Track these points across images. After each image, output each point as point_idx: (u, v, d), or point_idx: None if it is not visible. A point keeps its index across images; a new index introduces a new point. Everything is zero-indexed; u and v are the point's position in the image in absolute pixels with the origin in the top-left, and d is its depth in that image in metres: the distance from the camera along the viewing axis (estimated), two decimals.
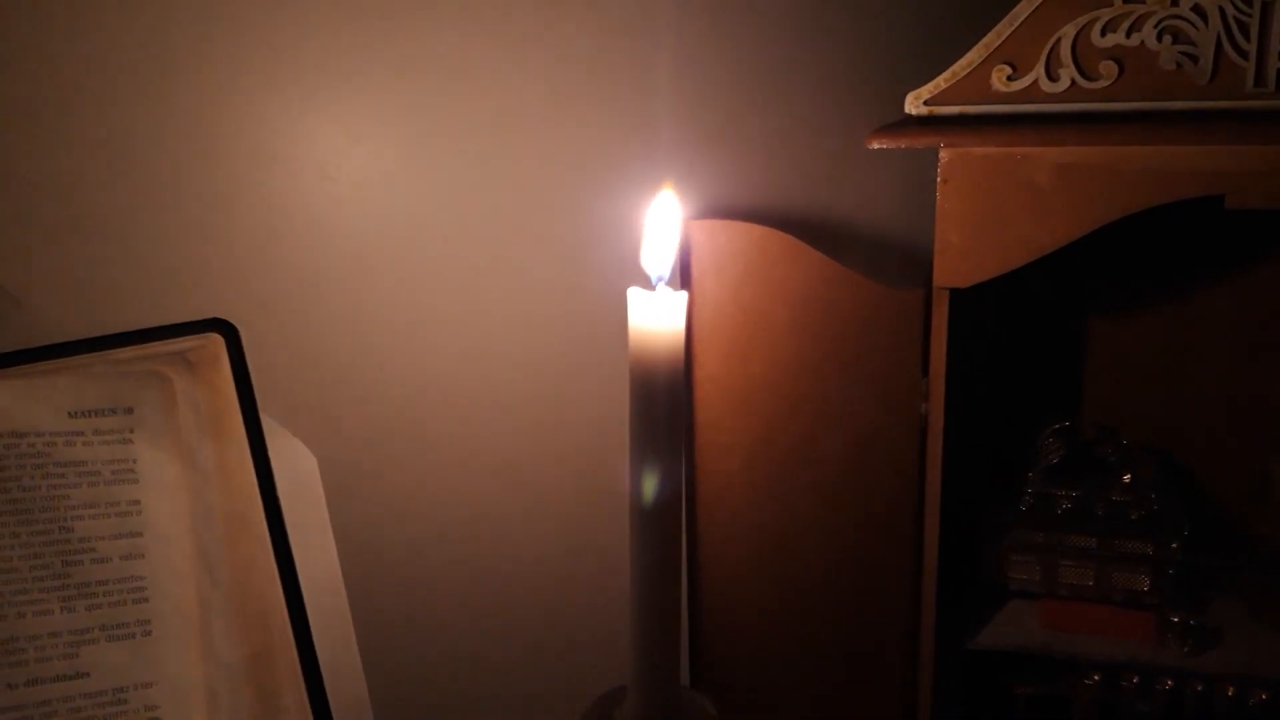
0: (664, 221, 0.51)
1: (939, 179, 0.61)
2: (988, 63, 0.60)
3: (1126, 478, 0.72)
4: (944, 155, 0.61)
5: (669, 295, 0.48)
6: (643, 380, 0.48)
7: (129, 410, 0.54)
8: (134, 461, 0.54)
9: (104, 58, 0.74)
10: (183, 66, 0.74)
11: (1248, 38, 0.57)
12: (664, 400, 0.49)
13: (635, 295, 0.48)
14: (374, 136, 0.75)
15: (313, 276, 0.77)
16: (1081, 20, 0.59)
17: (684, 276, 0.71)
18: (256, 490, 0.54)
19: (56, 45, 0.74)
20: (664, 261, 0.50)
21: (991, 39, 0.60)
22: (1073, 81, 0.60)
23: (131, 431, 0.54)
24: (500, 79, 0.74)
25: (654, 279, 0.49)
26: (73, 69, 0.75)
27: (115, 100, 0.75)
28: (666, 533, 0.50)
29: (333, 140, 0.75)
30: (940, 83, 0.61)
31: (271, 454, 0.55)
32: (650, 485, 0.50)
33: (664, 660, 0.51)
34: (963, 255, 0.62)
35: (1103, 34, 0.59)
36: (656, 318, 0.48)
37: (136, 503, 0.53)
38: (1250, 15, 0.57)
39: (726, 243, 0.70)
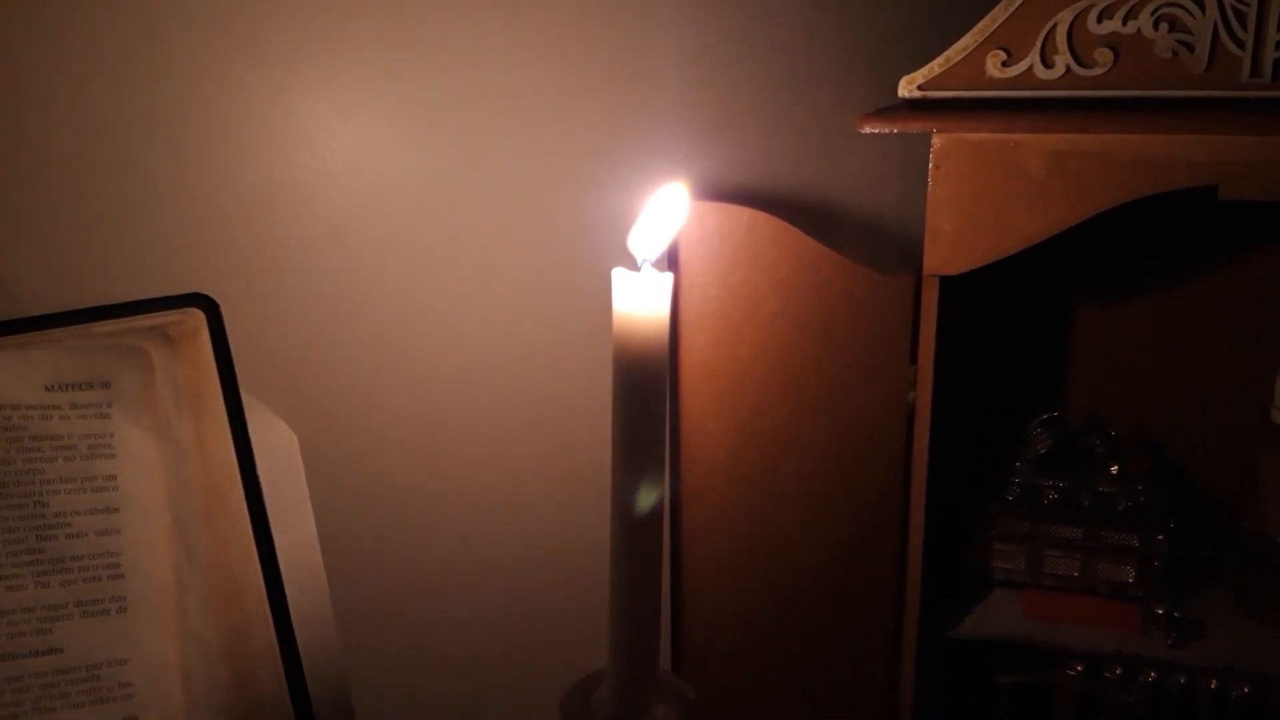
0: (664, 210, 0.50)
1: (931, 164, 0.61)
2: (982, 48, 0.60)
3: (1114, 469, 0.71)
4: (936, 141, 0.60)
5: (655, 277, 0.47)
6: (626, 362, 0.48)
7: (106, 384, 0.54)
8: (111, 436, 0.53)
9: (85, 31, 0.73)
10: (168, 39, 0.73)
11: (1245, 27, 0.57)
12: (648, 383, 0.48)
13: (620, 276, 0.47)
14: (362, 111, 0.75)
15: (296, 252, 0.77)
16: (1078, 6, 0.58)
17: (672, 259, 0.70)
18: (235, 467, 0.54)
19: (35, 20, 0.73)
20: (654, 246, 0.49)
21: (987, 24, 0.60)
22: (1068, 68, 0.59)
23: (109, 406, 0.53)
24: (490, 56, 0.73)
25: (640, 261, 0.49)
26: (53, 43, 0.74)
27: (97, 73, 0.74)
28: (648, 516, 0.50)
29: (320, 114, 0.75)
30: (934, 67, 0.61)
31: (251, 431, 0.54)
32: (633, 469, 0.49)
33: (643, 643, 0.51)
34: (954, 242, 0.61)
35: (1099, 21, 0.58)
36: (641, 300, 0.47)
37: (113, 478, 0.53)
38: (1247, 5, 0.57)
39: (716, 226, 0.69)
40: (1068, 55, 0.59)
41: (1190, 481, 0.77)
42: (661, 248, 0.49)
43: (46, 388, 0.53)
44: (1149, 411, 0.76)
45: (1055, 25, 0.59)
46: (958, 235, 0.61)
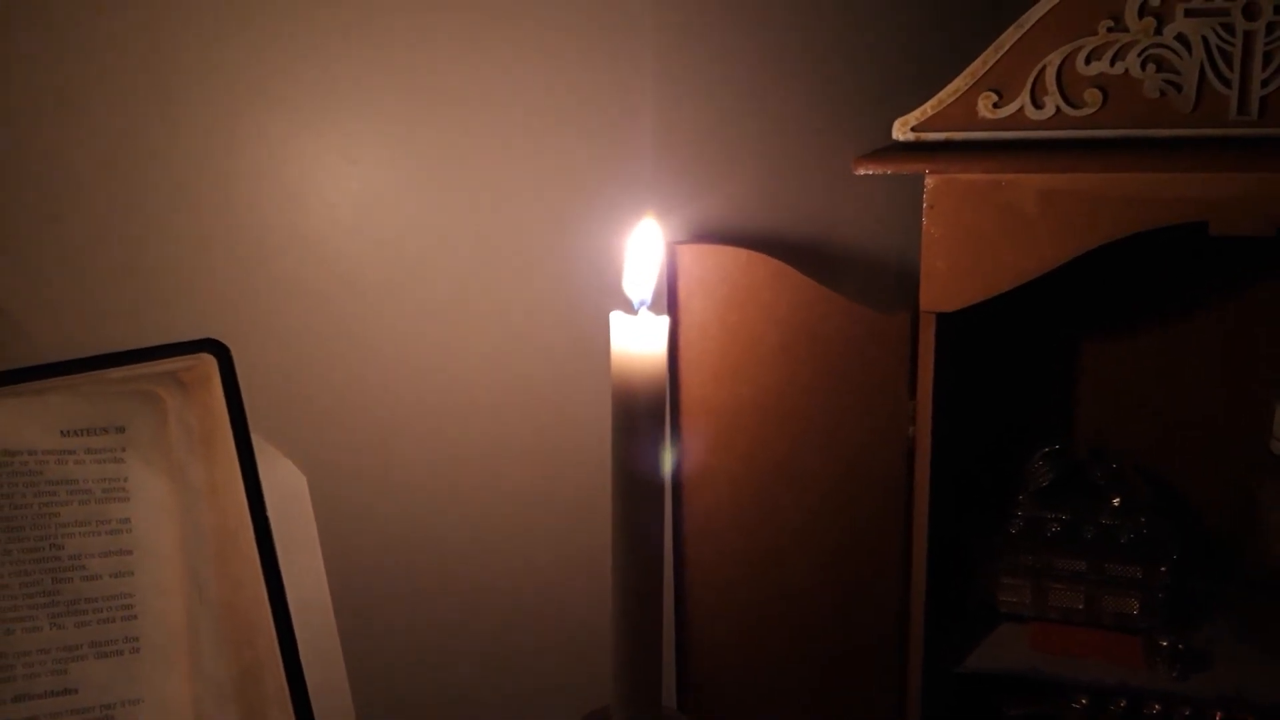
0: (645, 248, 0.51)
1: (925, 205, 0.61)
2: (974, 90, 0.61)
3: (1116, 501, 0.72)
4: (930, 181, 0.61)
5: (651, 319, 0.48)
6: (625, 403, 0.49)
7: (120, 429, 0.55)
8: (125, 480, 0.54)
9: (100, 78, 0.75)
10: (179, 86, 0.75)
11: (1230, 67, 0.58)
12: (646, 422, 0.49)
13: (618, 319, 0.48)
14: (369, 159, 0.76)
15: (305, 297, 0.78)
16: (1066, 48, 0.59)
17: (671, 300, 0.71)
18: (246, 509, 0.55)
19: (51, 65, 0.75)
20: (646, 286, 0.50)
21: (978, 66, 0.61)
22: (1058, 109, 0.60)
23: (123, 450, 0.55)
24: (492, 104, 0.75)
25: (636, 304, 0.50)
26: (70, 89, 0.75)
27: (111, 120, 0.76)
28: (649, 554, 0.51)
29: (328, 161, 0.76)
30: (927, 109, 0.62)
31: (262, 474, 0.55)
32: (634, 506, 0.50)
33: (646, 682, 0.51)
34: (949, 280, 0.62)
35: (1087, 62, 0.59)
36: (639, 341, 0.48)
37: (126, 521, 0.54)
38: (1233, 44, 0.57)
39: (714, 267, 0.70)
40: (1057, 96, 0.60)
41: (1192, 512, 0.77)
42: (651, 288, 0.50)
43: (62, 433, 0.54)
44: (1150, 443, 0.77)
45: (1045, 67, 0.60)
46: (952, 273, 0.62)
